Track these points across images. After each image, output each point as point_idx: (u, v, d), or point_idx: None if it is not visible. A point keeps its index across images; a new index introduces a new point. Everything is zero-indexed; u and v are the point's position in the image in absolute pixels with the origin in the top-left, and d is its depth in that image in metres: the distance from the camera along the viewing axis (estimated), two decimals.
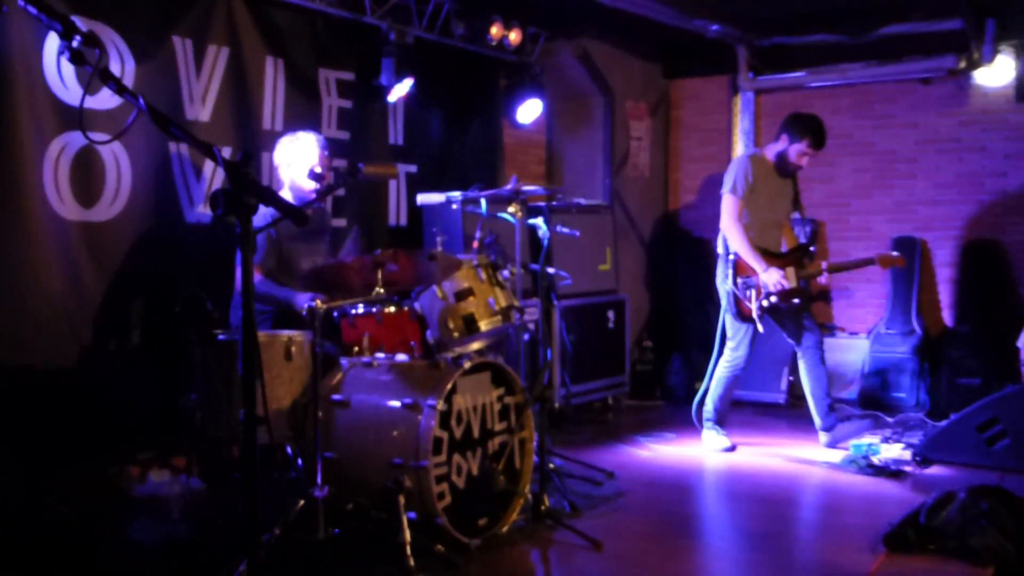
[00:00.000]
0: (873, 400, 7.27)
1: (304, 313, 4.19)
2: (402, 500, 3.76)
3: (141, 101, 2.20)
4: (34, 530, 3.98)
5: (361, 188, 5.93)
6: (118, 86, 2.23)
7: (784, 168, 5.85)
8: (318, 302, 3.89)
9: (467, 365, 4.02)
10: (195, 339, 4.05)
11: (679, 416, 6.41)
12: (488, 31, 6.42)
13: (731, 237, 5.75)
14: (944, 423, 5.80)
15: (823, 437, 5.96)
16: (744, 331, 5.82)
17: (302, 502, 3.86)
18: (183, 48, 4.90)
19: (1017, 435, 5.34)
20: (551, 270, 5.61)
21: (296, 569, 3.71)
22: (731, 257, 5.76)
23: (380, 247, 4.46)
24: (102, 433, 4.49)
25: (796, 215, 7.84)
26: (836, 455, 5.68)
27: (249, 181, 2.15)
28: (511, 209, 4.95)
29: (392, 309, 4.28)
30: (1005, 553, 3.82)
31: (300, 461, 4.16)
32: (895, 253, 6.03)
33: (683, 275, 8.39)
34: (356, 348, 4.36)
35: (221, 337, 4.04)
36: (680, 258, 8.53)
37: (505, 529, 4.17)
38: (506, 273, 4.39)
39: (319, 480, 3.85)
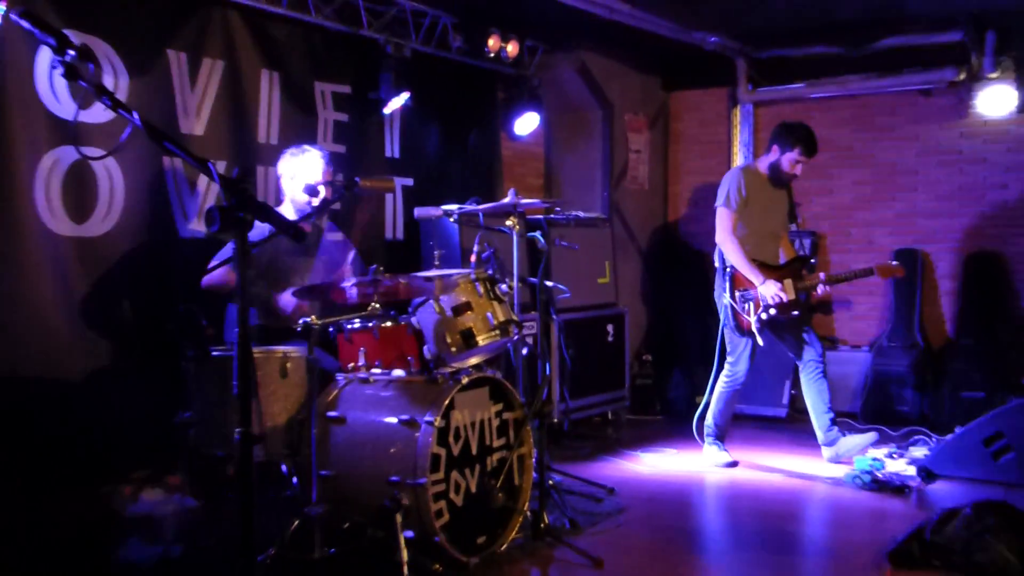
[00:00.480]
0: (876, 414, 7.25)
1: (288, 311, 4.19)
2: (399, 518, 3.74)
3: (136, 116, 2.20)
4: (25, 551, 3.96)
5: (358, 202, 5.92)
6: (113, 101, 2.23)
7: (779, 178, 5.87)
8: (313, 317, 3.88)
9: (465, 380, 4.01)
10: (189, 355, 4.04)
11: (680, 431, 6.40)
12: (486, 44, 6.43)
13: (727, 250, 5.76)
14: (948, 437, 5.79)
15: (826, 452, 5.94)
16: (743, 345, 5.82)
17: (298, 521, 3.84)
18: (178, 61, 4.90)
19: (1022, 449, 5.33)
20: (550, 284, 5.59)
21: None
22: (728, 270, 5.76)
23: (377, 262, 4.44)
24: (94, 451, 4.47)
25: (794, 227, 7.88)
26: (839, 470, 5.67)
27: (246, 197, 2.14)
28: (509, 222, 4.94)
29: (389, 324, 4.27)
30: (1011, 569, 3.80)
31: (296, 479, 4.14)
32: (894, 263, 6.04)
33: (683, 288, 8.39)
34: (352, 364, 4.34)
35: (216, 353, 4.02)
36: (680, 271, 8.53)
37: (504, 547, 4.15)
38: (504, 287, 4.37)
39: (315, 498, 3.84)
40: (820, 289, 5.82)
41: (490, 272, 4.44)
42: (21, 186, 4.27)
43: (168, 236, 4.90)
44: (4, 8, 3.58)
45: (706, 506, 5.44)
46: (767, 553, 4.36)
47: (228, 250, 4.49)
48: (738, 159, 8.38)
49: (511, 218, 4.95)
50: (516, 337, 4.33)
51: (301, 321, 3.88)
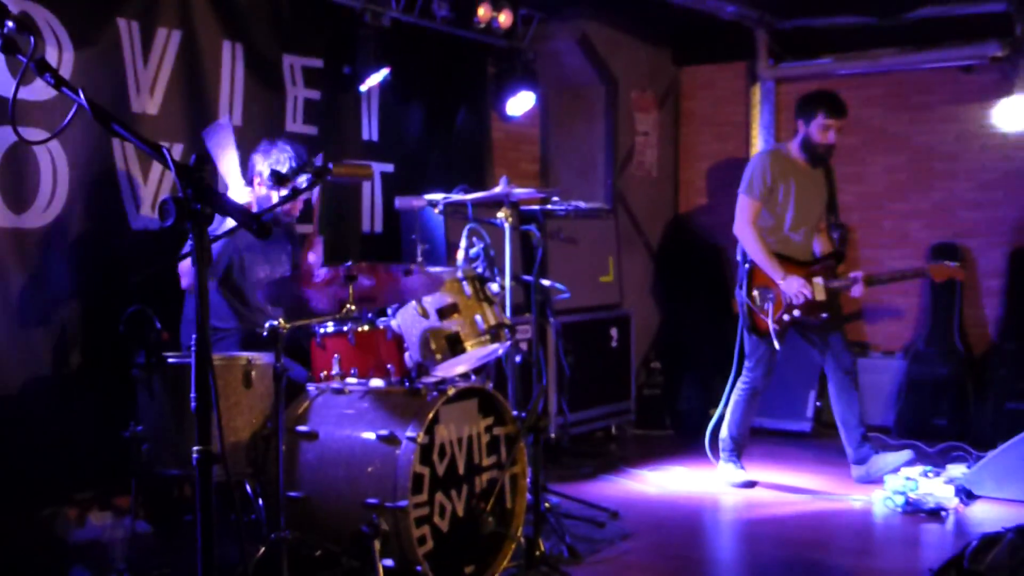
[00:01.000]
0: (910, 427, 7.28)
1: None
2: (377, 546, 3.74)
3: (81, 96, 2.20)
4: None
5: (331, 191, 5.92)
6: (56, 79, 2.22)
7: (814, 156, 5.86)
8: (281, 321, 3.88)
9: (451, 391, 4.01)
10: (141, 362, 4.04)
11: (691, 447, 6.41)
12: (475, 13, 6.42)
13: (745, 242, 5.79)
14: (991, 453, 5.81)
15: (855, 470, 5.96)
16: (763, 348, 5.83)
17: (263, 548, 3.84)
18: (129, 32, 4.89)
19: None
20: (546, 282, 5.60)
21: None
22: (747, 265, 5.78)
23: (352, 257, 4.44)
24: (34, 470, 4.45)
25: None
26: (870, 491, 5.68)
27: (204, 187, 2.14)
28: (501, 214, 4.95)
29: (366, 328, 4.27)
30: None
31: (261, 501, 4.14)
32: (952, 263, 5.98)
33: (696, 287, 8.40)
34: (325, 372, 4.34)
35: (171, 360, 4.02)
36: (692, 268, 8.54)
37: None
38: (495, 287, 4.38)
39: (283, 523, 3.84)
40: (856, 290, 5.82)
41: (479, 270, 4.45)
42: None
43: (118, 228, 4.89)
44: None
45: (721, 532, 5.46)
46: None
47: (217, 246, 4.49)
48: (757, 143, 8.39)
49: (503, 209, 4.96)
50: (508, 343, 4.34)
51: (267, 324, 3.88)
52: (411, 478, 3.79)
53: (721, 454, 6.06)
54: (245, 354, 4.13)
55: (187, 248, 4.49)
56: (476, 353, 4.24)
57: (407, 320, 4.22)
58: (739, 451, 6.04)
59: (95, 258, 4.76)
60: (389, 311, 4.35)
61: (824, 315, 5.78)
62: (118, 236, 4.88)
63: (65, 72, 4.62)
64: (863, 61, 7.98)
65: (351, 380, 4.25)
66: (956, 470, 6.09)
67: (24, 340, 4.51)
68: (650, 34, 8.42)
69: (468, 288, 4.23)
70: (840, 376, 5.90)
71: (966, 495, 5.53)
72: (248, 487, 4.25)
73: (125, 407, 4.18)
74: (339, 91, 6.02)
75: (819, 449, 6.90)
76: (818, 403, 7.36)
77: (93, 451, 4.61)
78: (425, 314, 4.16)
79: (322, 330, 4.35)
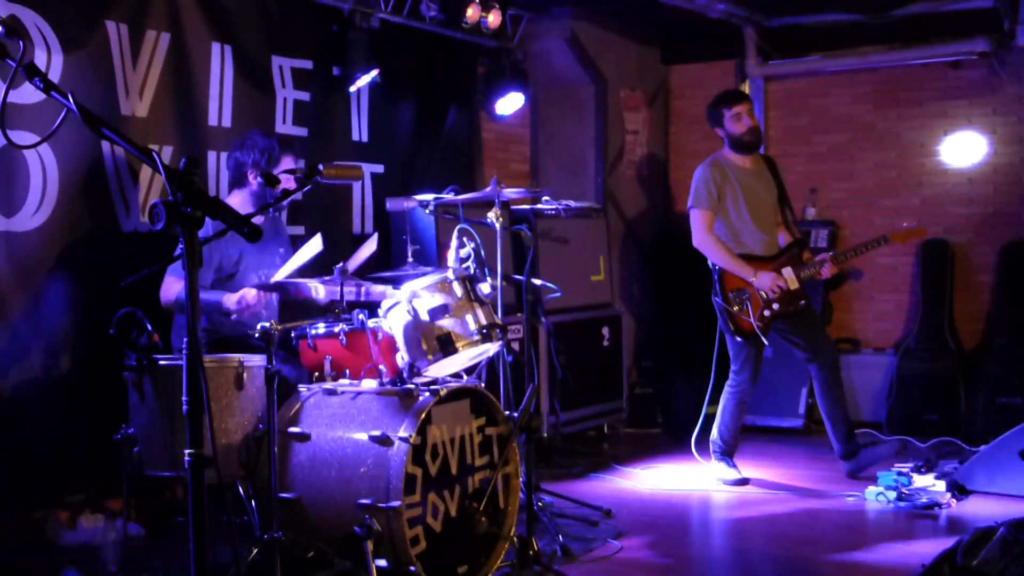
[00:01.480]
0: (902, 423, 7.31)
1: (236, 316, 4.20)
2: (370, 546, 3.75)
3: (71, 101, 2.20)
4: None
5: (321, 192, 5.92)
6: (45, 83, 2.23)
7: (746, 145, 5.97)
8: (272, 322, 3.88)
9: (443, 392, 4.02)
10: (132, 364, 4.04)
11: (684, 445, 6.42)
12: (463, 13, 6.43)
13: (707, 252, 5.91)
14: (982, 448, 5.84)
15: (844, 466, 5.99)
16: (747, 350, 5.87)
17: (256, 550, 3.84)
18: (118, 34, 4.89)
19: None
20: (537, 282, 5.61)
21: None
22: (716, 272, 5.88)
23: (342, 259, 4.45)
24: (25, 472, 4.45)
25: (811, 211, 7.92)
26: (862, 487, 5.70)
27: (194, 191, 2.14)
28: (491, 214, 4.95)
29: (358, 329, 4.28)
30: None
31: (253, 503, 4.14)
32: (910, 224, 6.05)
33: (687, 286, 8.39)
34: (317, 373, 4.35)
35: (162, 362, 4.02)
36: (684, 267, 8.50)
37: None
38: (487, 287, 4.38)
39: (275, 524, 3.84)
40: (825, 270, 5.86)
41: (470, 270, 4.46)
42: None
43: (108, 230, 4.89)
44: None
45: (713, 529, 5.47)
46: None
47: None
48: None
49: (493, 209, 4.96)
50: (500, 343, 4.35)
51: (260, 327, 3.89)
52: (404, 479, 3.80)
53: (712, 454, 6.07)
54: (237, 356, 4.13)
55: (178, 251, 4.52)
56: (468, 353, 4.25)
57: (398, 321, 4.23)
58: (730, 450, 6.06)
59: (85, 261, 4.76)
60: (381, 312, 4.35)
61: (802, 302, 5.84)
62: (108, 239, 4.88)
63: (54, 74, 4.62)
64: (852, 58, 8.01)
65: (343, 381, 4.25)
66: (948, 465, 6.12)
67: (15, 343, 4.51)
68: (639, 33, 8.44)
69: (459, 289, 4.24)
70: (824, 373, 5.94)
71: (958, 490, 5.55)
72: (240, 488, 4.25)
73: (116, 409, 4.18)
74: (329, 92, 6.03)
75: (811, 446, 6.92)
76: (809, 400, 7.37)
77: (84, 453, 4.62)
78: (416, 315, 4.16)
79: (313, 331, 4.36)
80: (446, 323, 4.16)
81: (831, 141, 8.23)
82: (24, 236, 4.55)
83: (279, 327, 3.93)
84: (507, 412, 4.34)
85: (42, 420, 4.55)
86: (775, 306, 5.78)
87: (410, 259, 4.54)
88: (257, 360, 4.12)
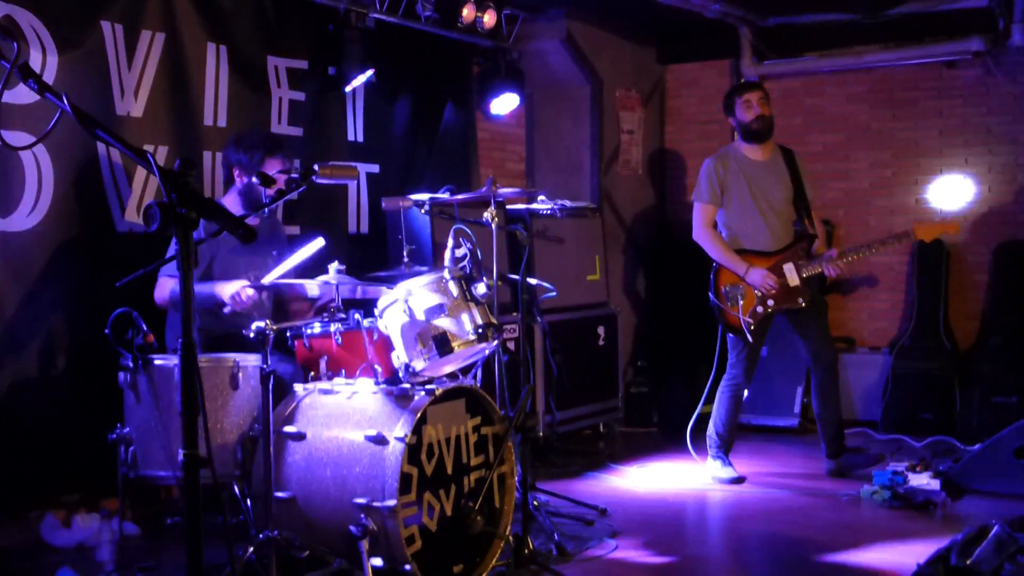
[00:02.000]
0: (897, 422, 7.32)
1: (229, 307, 4.20)
2: (366, 545, 3.75)
3: (65, 102, 2.21)
4: None
5: (316, 192, 5.92)
6: (40, 84, 2.23)
7: (756, 134, 5.96)
8: (246, 285, 3.87)
9: (439, 392, 4.02)
10: (127, 364, 4.04)
11: (680, 444, 6.43)
12: (459, 13, 6.43)
13: (704, 245, 5.93)
14: (977, 447, 5.85)
15: (827, 464, 6.07)
16: (741, 345, 5.88)
17: (251, 549, 3.85)
18: (113, 35, 4.89)
19: None
20: (533, 281, 5.61)
21: None
22: (713, 266, 5.89)
23: (338, 258, 4.46)
24: (20, 472, 4.46)
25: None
26: (857, 486, 5.70)
27: (188, 192, 2.14)
28: (487, 214, 4.96)
29: (353, 329, 4.28)
30: None
31: (249, 502, 4.15)
32: (943, 218, 5.98)
33: (683, 285, 8.40)
34: (312, 373, 4.35)
35: (157, 362, 4.02)
36: (679, 266, 8.54)
37: None
38: (482, 287, 4.39)
39: (270, 524, 3.84)
40: (829, 269, 5.84)
41: (466, 270, 4.46)
42: None
43: (103, 230, 4.90)
44: None
45: (709, 528, 5.48)
46: None
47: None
48: None
49: (489, 209, 4.97)
50: (496, 342, 4.35)
51: (254, 327, 3.89)
52: (399, 478, 3.80)
53: (709, 451, 6.08)
54: (232, 356, 4.14)
55: (171, 252, 4.53)
56: (464, 353, 4.25)
57: (394, 320, 4.23)
58: (726, 448, 6.06)
59: (80, 261, 4.76)
60: (376, 311, 4.36)
61: (801, 301, 5.81)
62: (103, 239, 4.88)
63: (49, 75, 4.63)
64: (847, 58, 8.02)
65: (338, 381, 4.25)
66: (943, 464, 6.13)
67: (10, 342, 4.51)
68: (635, 33, 8.44)
69: (455, 288, 4.24)
70: (819, 375, 5.98)
71: (953, 489, 5.55)
72: (236, 488, 4.25)
73: (111, 409, 4.18)
74: (324, 92, 6.03)
75: (806, 445, 6.92)
76: (804, 399, 7.38)
77: (79, 453, 4.62)
78: (412, 314, 4.16)
79: (309, 331, 4.36)
80: (442, 322, 4.16)
81: (826, 141, 8.24)
82: (19, 236, 4.56)
83: (274, 327, 3.93)
84: (503, 411, 4.34)
85: (37, 420, 4.55)
86: (769, 303, 5.78)
87: (406, 259, 4.54)
88: (252, 360, 4.13)
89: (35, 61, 4.57)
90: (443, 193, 5.49)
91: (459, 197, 5.22)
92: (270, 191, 4.17)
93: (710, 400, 6.12)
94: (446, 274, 4.28)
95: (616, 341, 7.28)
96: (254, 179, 4.68)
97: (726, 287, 5.85)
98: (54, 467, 4.58)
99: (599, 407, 7.12)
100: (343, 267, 4.36)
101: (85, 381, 4.69)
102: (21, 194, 4.56)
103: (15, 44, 2.21)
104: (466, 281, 4.32)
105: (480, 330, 4.21)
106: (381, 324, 4.30)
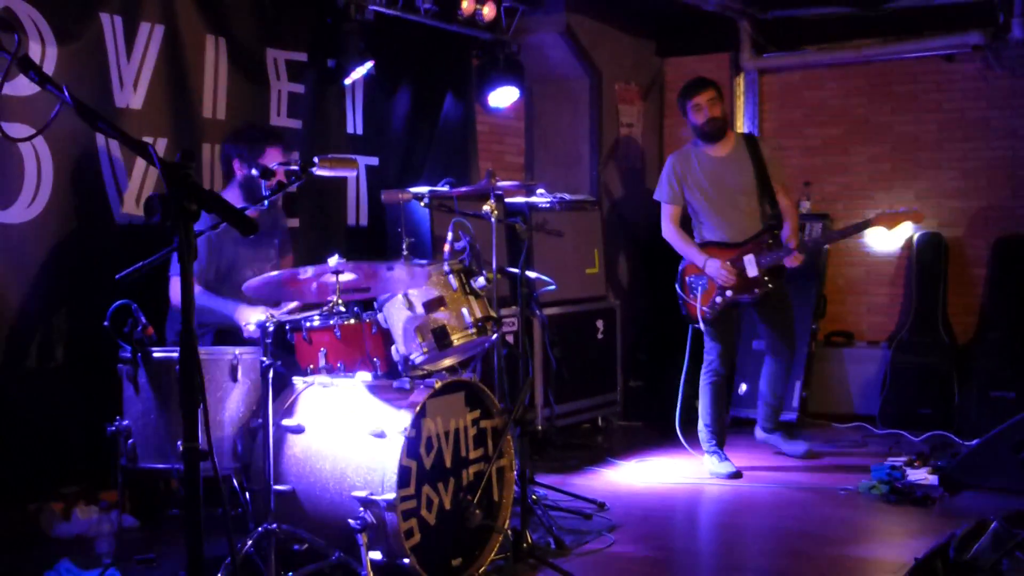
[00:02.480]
0: (895, 417, 7.33)
1: (247, 332, 4.21)
2: (364, 538, 3.76)
3: (66, 94, 2.20)
4: None
5: (315, 184, 5.91)
6: (40, 76, 2.23)
7: (708, 134, 6.04)
8: (269, 314, 3.88)
9: (438, 385, 4.02)
10: (127, 356, 4.04)
11: (677, 438, 6.44)
12: (458, 5, 6.43)
13: (670, 242, 6.13)
14: (976, 442, 5.86)
15: (757, 432, 6.39)
16: (710, 332, 6.04)
17: (250, 542, 3.85)
18: (112, 27, 4.88)
19: None
20: (532, 275, 5.61)
21: None
22: (683, 259, 6.09)
23: (337, 250, 4.44)
24: (20, 464, 4.46)
25: (805, 204, 7.91)
26: (855, 480, 5.71)
27: (189, 184, 2.14)
28: (486, 207, 4.95)
29: (352, 321, 4.28)
30: None
31: (247, 495, 4.15)
32: (904, 208, 6.05)
33: None
34: (311, 366, 4.35)
35: (157, 354, 4.02)
36: (678, 260, 8.53)
37: (482, 570, 4.17)
38: (482, 280, 4.39)
39: (269, 516, 3.85)
40: (789, 260, 5.91)
41: (465, 263, 4.46)
42: None
43: (103, 222, 4.89)
44: None
45: (707, 522, 5.48)
46: None
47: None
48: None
49: (488, 202, 4.97)
50: (495, 336, 4.35)
51: (249, 324, 3.89)
52: (398, 471, 3.80)
53: (703, 446, 6.10)
54: (231, 348, 4.14)
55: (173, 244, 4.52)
56: (463, 346, 4.26)
57: (393, 314, 4.23)
58: (719, 441, 6.07)
59: (80, 253, 4.76)
60: (376, 305, 4.36)
61: (756, 291, 5.93)
62: (103, 230, 4.88)
63: (48, 67, 4.61)
64: (846, 51, 8.02)
65: (338, 373, 4.25)
66: (942, 459, 6.14)
67: (10, 334, 4.51)
68: (634, 26, 8.44)
69: (454, 281, 4.24)
70: (772, 361, 6.21)
71: (951, 484, 5.57)
72: (235, 481, 4.26)
73: (111, 402, 4.18)
74: (323, 85, 6.02)
75: (805, 439, 6.91)
76: (803, 393, 7.39)
77: (79, 445, 4.62)
78: (412, 308, 4.16)
79: (308, 324, 4.35)
80: (441, 316, 4.17)
81: (825, 134, 8.24)
82: (18, 228, 4.55)
83: (274, 320, 3.93)
84: (502, 405, 4.35)
85: (37, 412, 4.55)
86: (728, 293, 5.93)
87: (405, 252, 4.53)
88: (251, 352, 4.12)
89: (34, 53, 4.56)
90: (442, 186, 5.48)
91: (459, 191, 5.22)
92: (269, 183, 4.17)
93: (690, 394, 6.26)
94: (446, 267, 4.28)
95: (615, 335, 7.28)
96: (253, 171, 4.68)
97: (689, 278, 6.07)
98: (53, 459, 4.58)
99: (598, 401, 7.13)
100: (343, 260, 4.35)
101: (84, 373, 4.69)
102: (20, 186, 4.55)
103: (16, 36, 2.20)
104: (465, 274, 4.32)
105: (479, 323, 4.21)
106: (380, 317, 4.30)
